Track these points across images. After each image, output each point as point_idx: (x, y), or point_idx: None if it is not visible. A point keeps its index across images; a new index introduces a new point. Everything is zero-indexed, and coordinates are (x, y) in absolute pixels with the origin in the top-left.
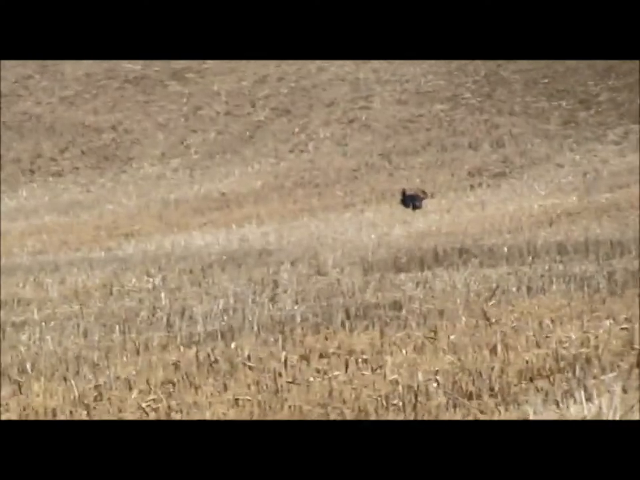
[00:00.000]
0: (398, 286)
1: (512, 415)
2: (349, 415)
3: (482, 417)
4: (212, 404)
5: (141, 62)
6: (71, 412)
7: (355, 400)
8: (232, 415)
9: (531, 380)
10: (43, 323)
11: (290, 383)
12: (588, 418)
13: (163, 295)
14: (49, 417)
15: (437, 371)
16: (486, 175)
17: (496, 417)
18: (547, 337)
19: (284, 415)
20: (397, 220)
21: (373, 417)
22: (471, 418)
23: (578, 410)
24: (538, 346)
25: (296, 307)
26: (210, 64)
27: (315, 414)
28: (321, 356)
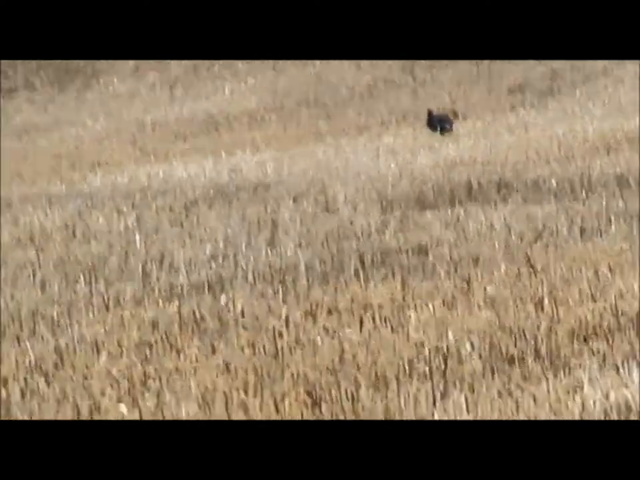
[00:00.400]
0: (423, 227)
1: (562, 383)
2: (364, 384)
3: (525, 386)
4: (197, 370)
5: None
6: (25, 380)
7: (371, 365)
8: (221, 383)
9: (585, 340)
10: None
11: (292, 344)
12: None
13: (137, 238)
14: None
15: (471, 330)
16: (530, 92)
17: (543, 385)
18: (604, 288)
19: (285, 383)
20: (422, 146)
21: (393, 385)
22: (512, 387)
23: None
24: (593, 299)
25: (299, 253)
26: None
27: (323, 382)
28: (329, 312)
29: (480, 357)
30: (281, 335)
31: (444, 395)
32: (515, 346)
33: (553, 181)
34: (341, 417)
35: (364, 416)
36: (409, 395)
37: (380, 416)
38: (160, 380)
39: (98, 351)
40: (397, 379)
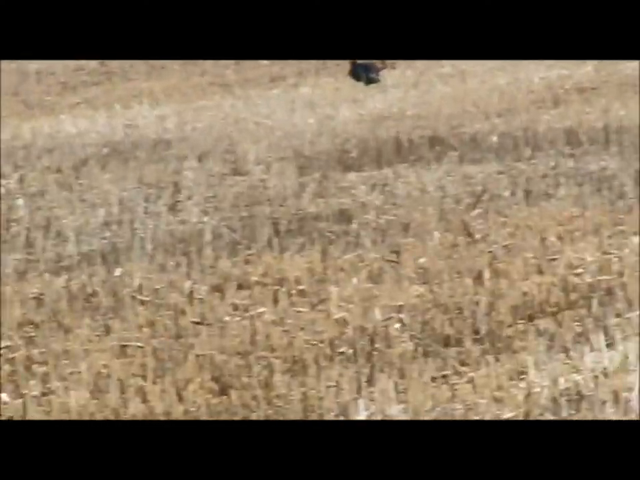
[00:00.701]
0: (346, 189)
1: (505, 367)
2: (278, 367)
3: (463, 370)
4: (89, 353)
5: None
6: None
7: (287, 347)
8: (116, 367)
9: (531, 319)
10: None
11: (197, 323)
12: (610, 369)
13: (20, 202)
14: None
15: (401, 306)
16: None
17: (483, 370)
18: (552, 259)
19: (189, 368)
20: (345, 98)
21: (312, 370)
22: (448, 371)
23: (595, 360)
24: (540, 272)
25: (205, 219)
26: None
27: (232, 366)
28: (240, 287)
29: (411, 337)
30: (184, 312)
31: (370, 381)
32: (451, 325)
33: (494, 138)
34: (253, 405)
35: (278, 403)
36: (330, 381)
37: (296, 405)
38: (46, 364)
39: None
40: (317, 363)
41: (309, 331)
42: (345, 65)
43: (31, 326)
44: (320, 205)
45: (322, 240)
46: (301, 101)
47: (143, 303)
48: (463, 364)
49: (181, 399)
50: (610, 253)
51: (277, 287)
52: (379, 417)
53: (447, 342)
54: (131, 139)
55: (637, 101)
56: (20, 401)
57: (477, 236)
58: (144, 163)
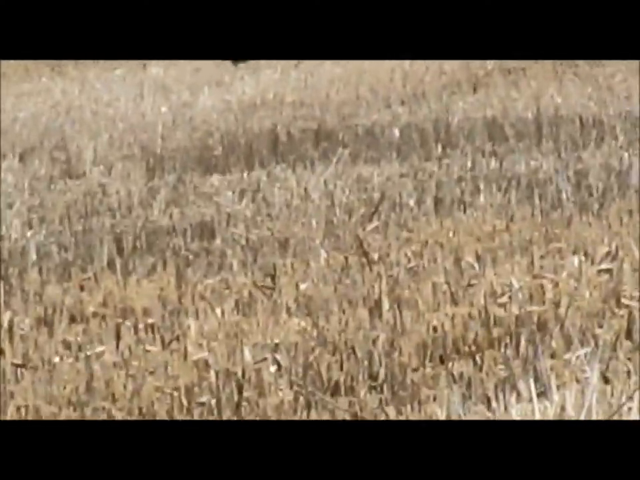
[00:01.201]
0: (208, 196)
1: (408, 419)
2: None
3: (360, 418)
4: None
5: None
6: None
7: (132, 396)
8: None
9: (442, 361)
10: None
11: (19, 366)
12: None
13: None
14: None
15: (278, 345)
16: None
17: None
18: (469, 285)
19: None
20: (207, 81)
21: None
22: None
23: (523, 411)
24: (454, 302)
25: (29, 234)
26: None
27: (63, 417)
28: (73, 319)
29: (290, 384)
30: (1, 352)
31: None
32: (341, 369)
33: (396, 131)
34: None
35: None
36: None
37: None
38: None
39: None
40: (170, 416)
41: (160, 375)
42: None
43: None
44: (174, 215)
45: (177, 260)
46: (150, 84)
47: None
48: (356, 417)
49: None
50: (543, 277)
51: (119, 320)
52: None
53: (335, 390)
54: None
55: (577, 83)
56: None
57: (374, 255)
58: None
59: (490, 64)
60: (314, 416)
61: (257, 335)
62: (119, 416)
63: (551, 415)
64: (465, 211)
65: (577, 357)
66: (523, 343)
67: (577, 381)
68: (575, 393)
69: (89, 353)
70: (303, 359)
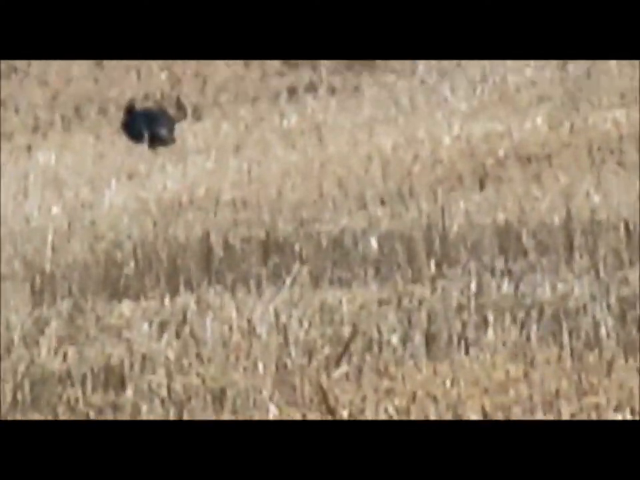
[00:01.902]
0: (116, 330)
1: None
2: None
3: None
4: None
5: None
6: None
7: None
8: None
9: None
10: None
11: None
12: None
13: None
14: None
15: None
16: (325, 67)
17: None
18: None
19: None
20: (114, 171)
21: None
22: None
23: None
24: None
25: None
26: None
27: None
28: None
29: None
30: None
31: None
32: None
33: (373, 241)
34: None
35: None
36: None
37: None
38: None
39: None
40: None
41: None
42: (114, 112)
43: None
44: (70, 357)
45: (73, 419)
46: (38, 175)
47: None
48: None
49: None
50: None
51: None
52: None
53: None
54: None
55: (622, 176)
56: None
57: (343, 413)
58: None
59: (502, 150)
60: None
61: None
62: None
63: None
64: (467, 352)
65: None
66: None
67: None
68: None
69: None
70: None
